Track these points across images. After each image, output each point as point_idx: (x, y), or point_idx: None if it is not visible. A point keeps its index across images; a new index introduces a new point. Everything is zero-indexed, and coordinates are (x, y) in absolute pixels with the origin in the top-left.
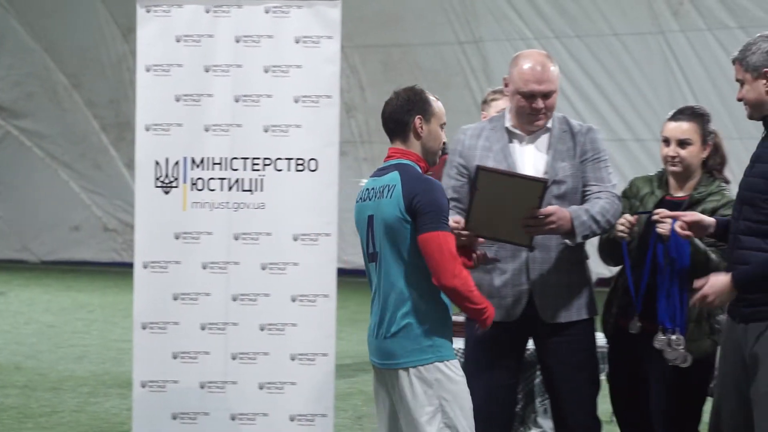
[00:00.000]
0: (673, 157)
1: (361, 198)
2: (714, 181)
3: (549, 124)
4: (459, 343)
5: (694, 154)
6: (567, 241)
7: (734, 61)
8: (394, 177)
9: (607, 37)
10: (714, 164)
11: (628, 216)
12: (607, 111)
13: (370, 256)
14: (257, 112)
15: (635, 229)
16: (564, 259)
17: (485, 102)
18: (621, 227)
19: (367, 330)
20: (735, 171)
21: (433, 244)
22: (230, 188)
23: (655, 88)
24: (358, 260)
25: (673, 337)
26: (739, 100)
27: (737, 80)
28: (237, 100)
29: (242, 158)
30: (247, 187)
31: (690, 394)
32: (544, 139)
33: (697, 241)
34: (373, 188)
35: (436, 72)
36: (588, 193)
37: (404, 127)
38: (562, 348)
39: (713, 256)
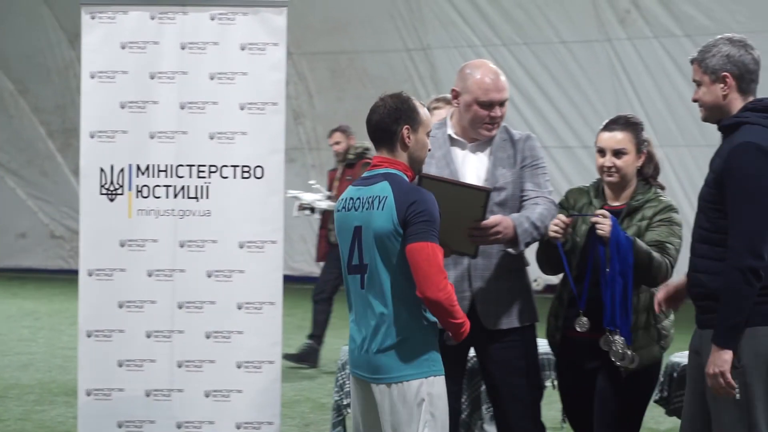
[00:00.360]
0: (610, 168)
1: (344, 207)
2: (650, 188)
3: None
4: None
5: (629, 163)
6: (510, 249)
7: (692, 62)
8: (384, 188)
9: (555, 45)
10: (649, 172)
11: (561, 216)
12: (554, 118)
13: (353, 268)
14: (203, 119)
15: (569, 230)
16: (504, 266)
17: (428, 109)
18: (554, 227)
19: (349, 342)
20: (681, 177)
21: (422, 255)
22: (176, 195)
23: (602, 95)
24: (305, 267)
25: (617, 338)
26: (695, 101)
27: (694, 81)
28: (182, 107)
29: (188, 165)
30: (192, 195)
31: (633, 401)
32: (485, 146)
33: (640, 242)
34: (359, 198)
35: (383, 79)
36: (525, 198)
37: (392, 137)
38: (504, 354)
39: (656, 255)
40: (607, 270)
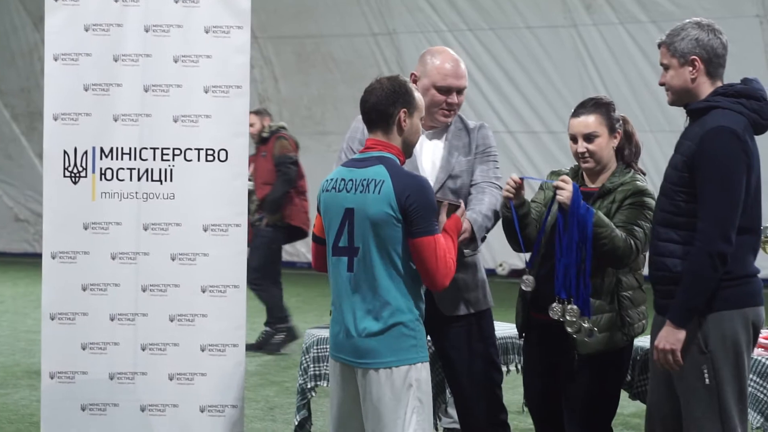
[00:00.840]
0: (583, 153)
1: (333, 188)
2: (629, 172)
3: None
4: None
5: (603, 146)
6: (467, 250)
7: (660, 45)
8: (379, 171)
9: (521, 30)
10: (629, 154)
11: (514, 176)
12: (520, 103)
13: (340, 250)
14: (167, 102)
15: (522, 191)
16: (459, 252)
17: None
18: (507, 187)
19: (331, 326)
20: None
21: (429, 250)
22: (139, 178)
23: (568, 80)
24: None
25: (571, 307)
26: (662, 84)
27: (662, 64)
28: (146, 90)
29: (152, 148)
30: (156, 178)
31: (598, 387)
32: (440, 134)
33: (602, 216)
34: (351, 179)
35: (349, 63)
36: (473, 183)
37: (388, 119)
38: (461, 339)
39: (619, 233)
40: (564, 237)
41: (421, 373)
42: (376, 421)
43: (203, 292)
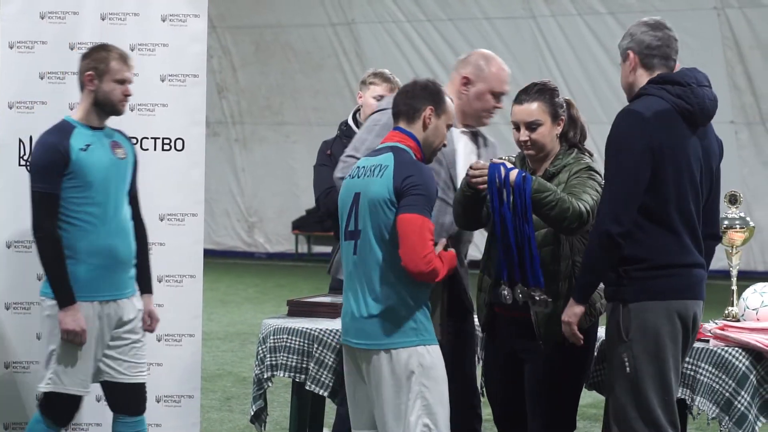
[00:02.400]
0: (525, 142)
1: (350, 175)
2: (573, 152)
3: None
4: (336, 324)
5: (545, 134)
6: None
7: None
8: (387, 158)
9: (479, 21)
10: (575, 139)
11: (480, 162)
12: None
13: (348, 234)
14: None
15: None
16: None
17: (363, 83)
18: (477, 173)
19: (343, 310)
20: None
21: (411, 226)
22: None
23: (526, 71)
24: (228, 241)
25: (516, 287)
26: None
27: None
28: None
29: None
30: None
31: (568, 373)
32: (469, 133)
33: (542, 180)
34: (364, 167)
35: (308, 53)
36: None
37: (414, 113)
38: (463, 332)
39: (564, 196)
40: (506, 215)
41: (425, 357)
42: (379, 405)
43: (159, 281)
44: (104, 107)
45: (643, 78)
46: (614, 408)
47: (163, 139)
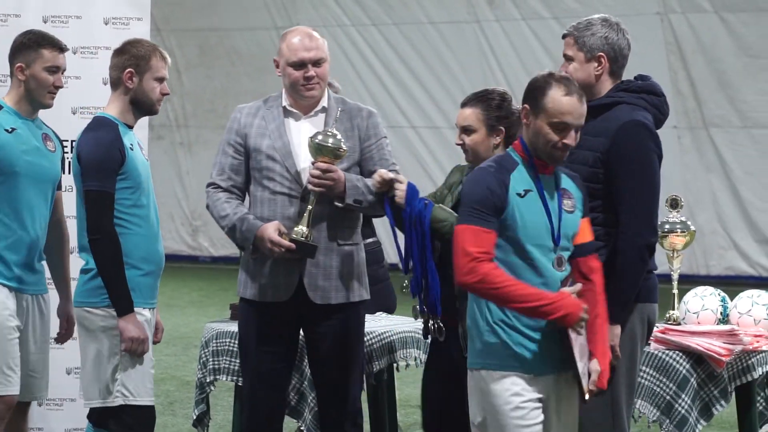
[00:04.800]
0: (461, 145)
1: None
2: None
3: (325, 103)
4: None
5: (478, 141)
6: (337, 203)
7: (566, 36)
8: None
9: (424, 25)
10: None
11: (382, 171)
12: (423, 99)
13: None
14: (66, 94)
15: (396, 185)
16: (335, 242)
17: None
18: (376, 177)
19: None
20: None
21: (454, 240)
22: None
23: (471, 76)
24: (172, 245)
25: (413, 306)
26: None
27: (565, 55)
28: None
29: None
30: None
31: None
32: (320, 117)
33: (441, 208)
34: None
35: (252, 57)
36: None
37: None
38: (331, 330)
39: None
40: (409, 236)
41: None
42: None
43: None
44: (141, 106)
45: (606, 84)
46: (585, 408)
47: None
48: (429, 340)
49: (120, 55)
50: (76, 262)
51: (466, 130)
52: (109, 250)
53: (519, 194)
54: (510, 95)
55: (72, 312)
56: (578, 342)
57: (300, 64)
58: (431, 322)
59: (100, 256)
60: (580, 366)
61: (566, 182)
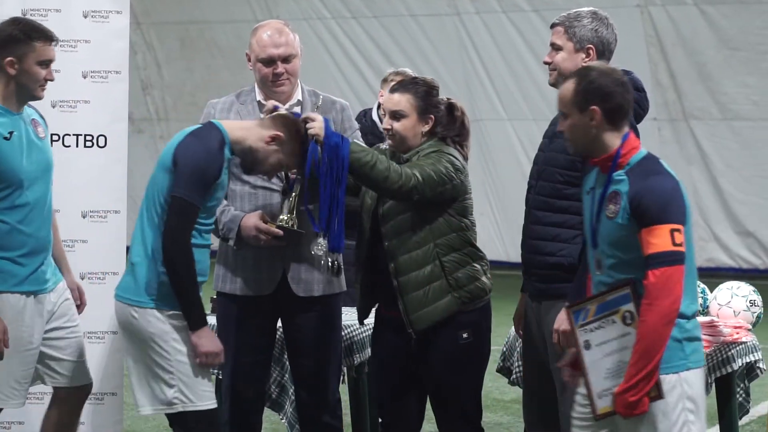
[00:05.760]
0: (387, 130)
1: None
2: (431, 141)
3: (299, 96)
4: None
5: (408, 127)
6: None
7: (555, 25)
8: None
9: (404, 18)
10: (444, 132)
11: (312, 114)
12: None
13: None
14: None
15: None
16: (316, 234)
17: (385, 81)
18: (311, 123)
19: None
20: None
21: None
22: None
23: (451, 69)
24: None
25: (318, 240)
26: (547, 63)
27: (553, 44)
28: None
29: None
30: None
31: (464, 370)
32: (295, 111)
33: (359, 143)
34: None
35: (233, 50)
36: None
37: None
38: (309, 322)
39: (383, 159)
40: (325, 173)
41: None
42: None
43: (82, 279)
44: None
45: None
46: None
47: (86, 135)
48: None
49: None
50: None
51: (395, 115)
52: (187, 262)
53: (587, 192)
54: (438, 85)
55: (76, 282)
56: (590, 359)
57: (269, 61)
58: (330, 259)
59: (178, 268)
60: (592, 383)
61: (623, 188)
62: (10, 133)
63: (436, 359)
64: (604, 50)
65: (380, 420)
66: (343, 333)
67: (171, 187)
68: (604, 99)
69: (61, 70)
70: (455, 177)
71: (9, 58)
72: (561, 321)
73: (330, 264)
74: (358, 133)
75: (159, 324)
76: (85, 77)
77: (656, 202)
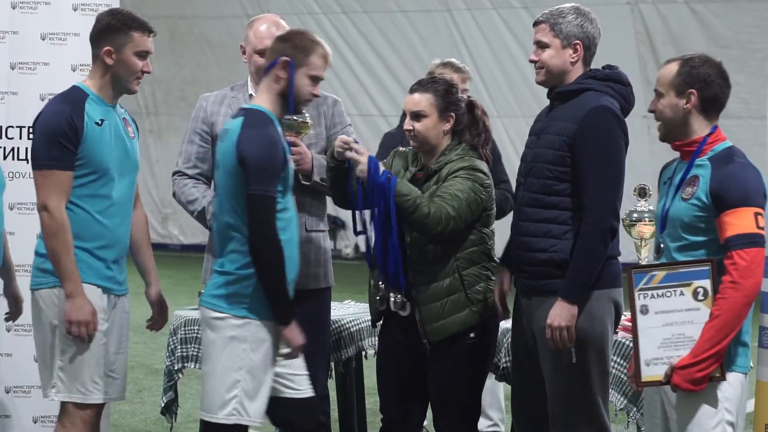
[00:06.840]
0: (409, 131)
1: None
2: (458, 148)
3: None
4: None
5: (429, 127)
6: (304, 181)
7: (540, 23)
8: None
9: (395, 14)
10: (471, 140)
11: (344, 137)
12: (394, 88)
13: None
14: (34, 80)
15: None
16: (303, 227)
17: (431, 74)
18: (339, 143)
19: None
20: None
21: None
22: (5, 157)
23: None
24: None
25: (381, 285)
26: (533, 62)
27: (539, 42)
28: (13, 68)
29: (18, 127)
30: (23, 156)
31: (465, 373)
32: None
33: (404, 182)
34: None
35: (223, 45)
36: None
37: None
38: (299, 316)
39: (424, 200)
40: (372, 214)
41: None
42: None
43: None
44: (292, 102)
45: (578, 71)
46: (553, 399)
47: None
48: (378, 329)
49: (282, 42)
50: None
51: (416, 116)
52: (277, 257)
53: (664, 182)
54: (456, 84)
55: (158, 295)
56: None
57: (266, 52)
58: (392, 296)
59: (268, 264)
60: (642, 349)
61: (703, 173)
62: (102, 120)
63: (444, 359)
64: (590, 45)
65: (382, 418)
66: (331, 328)
67: (245, 186)
68: (703, 86)
69: (50, 63)
70: (486, 200)
71: (107, 48)
72: (554, 316)
73: (395, 301)
74: (350, 128)
75: (240, 329)
76: (74, 70)
77: (741, 185)
